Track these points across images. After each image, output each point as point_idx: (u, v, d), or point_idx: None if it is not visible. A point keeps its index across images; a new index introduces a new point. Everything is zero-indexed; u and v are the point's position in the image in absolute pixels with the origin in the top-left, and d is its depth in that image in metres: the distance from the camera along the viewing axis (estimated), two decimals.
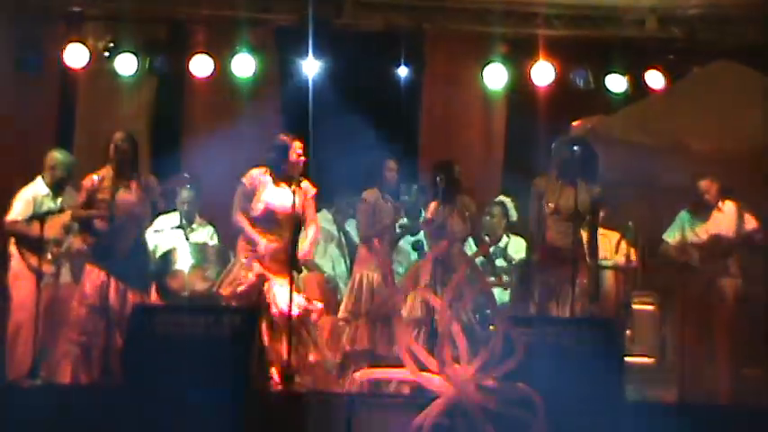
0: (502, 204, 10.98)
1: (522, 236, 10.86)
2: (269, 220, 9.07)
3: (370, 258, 9.99)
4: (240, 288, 8.97)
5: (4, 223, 9.96)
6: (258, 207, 9.06)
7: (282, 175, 9.14)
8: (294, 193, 8.99)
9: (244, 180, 9.18)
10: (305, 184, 9.26)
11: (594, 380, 7.97)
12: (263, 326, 8.84)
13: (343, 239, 11.32)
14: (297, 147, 9.16)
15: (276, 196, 9.08)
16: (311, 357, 9.06)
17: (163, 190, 9.87)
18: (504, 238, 10.94)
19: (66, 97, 12.61)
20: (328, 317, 10.06)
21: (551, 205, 9.21)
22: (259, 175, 9.16)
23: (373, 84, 12.38)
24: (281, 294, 8.88)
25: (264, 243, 8.98)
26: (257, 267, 8.99)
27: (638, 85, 12.52)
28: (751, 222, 9.88)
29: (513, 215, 10.94)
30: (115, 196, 9.30)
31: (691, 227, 9.98)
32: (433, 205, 9.81)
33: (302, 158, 9.19)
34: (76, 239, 9.70)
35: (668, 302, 10.57)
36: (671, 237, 10.03)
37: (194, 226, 10.82)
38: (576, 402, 7.65)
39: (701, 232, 9.92)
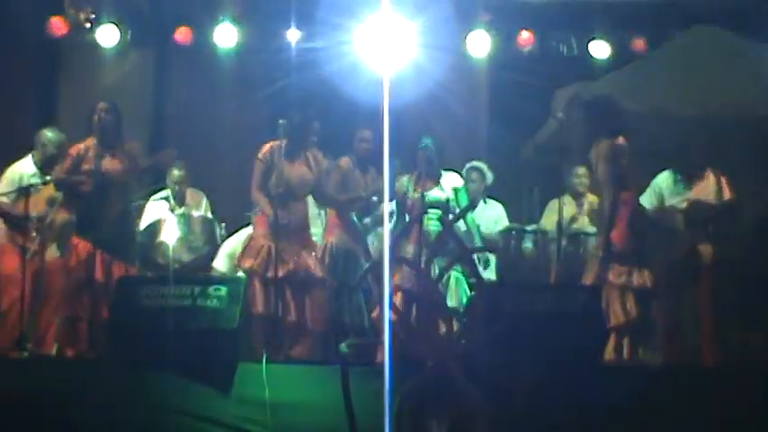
0: (478, 169, 10.95)
1: (498, 200, 10.94)
2: (286, 195, 9.21)
3: (340, 226, 9.97)
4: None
5: None
6: (276, 183, 9.24)
7: (296, 149, 9.30)
8: (309, 166, 9.39)
9: (260, 157, 9.32)
10: (318, 155, 9.47)
11: (578, 345, 8.02)
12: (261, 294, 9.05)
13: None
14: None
15: (292, 171, 9.26)
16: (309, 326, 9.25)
17: (149, 165, 9.90)
18: (482, 204, 10.94)
19: (48, 70, 12.57)
20: None
21: None
22: (274, 151, 9.33)
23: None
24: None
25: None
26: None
27: (621, 51, 12.51)
28: (727, 192, 9.92)
29: (490, 179, 10.91)
30: (100, 166, 9.33)
31: (671, 192, 10.00)
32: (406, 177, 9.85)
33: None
34: (61, 212, 9.69)
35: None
36: (647, 202, 10.06)
37: (187, 202, 10.82)
38: (560, 368, 7.68)
39: (681, 198, 9.96)
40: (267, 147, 9.46)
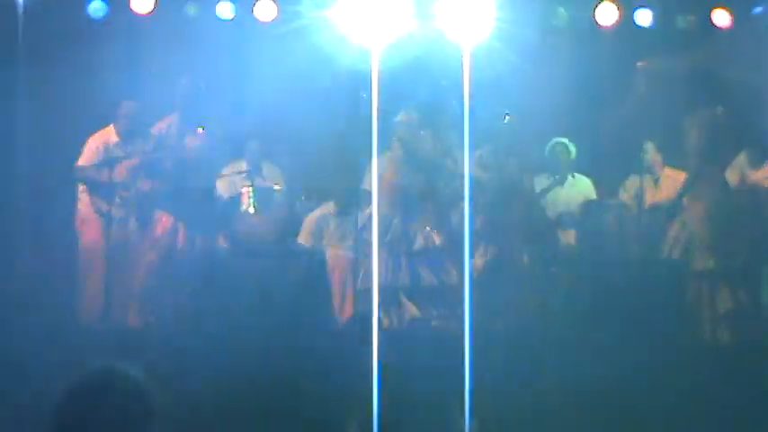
0: (562, 144, 10.93)
1: (586, 175, 10.91)
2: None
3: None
4: None
5: (74, 169, 10.03)
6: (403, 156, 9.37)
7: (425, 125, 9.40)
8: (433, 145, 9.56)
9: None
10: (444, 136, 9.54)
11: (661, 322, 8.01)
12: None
13: None
14: None
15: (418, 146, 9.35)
16: None
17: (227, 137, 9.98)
18: (570, 178, 10.91)
19: (132, 43, 12.64)
20: None
21: None
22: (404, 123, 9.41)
23: None
24: None
25: None
26: None
27: (704, 25, 12.35)
28: None
29: (574, 153, 10.89)
30: (183, 140, 9.43)
31: (752, 168, 9.92)
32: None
33: None
34: (144, 185, 9.80)
35: None
36: (729, 178, 9.98)
37: (263, 175, 10.88)
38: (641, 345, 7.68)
39: (764, 175, 9.87)
40: (401, 116, 9.48)
